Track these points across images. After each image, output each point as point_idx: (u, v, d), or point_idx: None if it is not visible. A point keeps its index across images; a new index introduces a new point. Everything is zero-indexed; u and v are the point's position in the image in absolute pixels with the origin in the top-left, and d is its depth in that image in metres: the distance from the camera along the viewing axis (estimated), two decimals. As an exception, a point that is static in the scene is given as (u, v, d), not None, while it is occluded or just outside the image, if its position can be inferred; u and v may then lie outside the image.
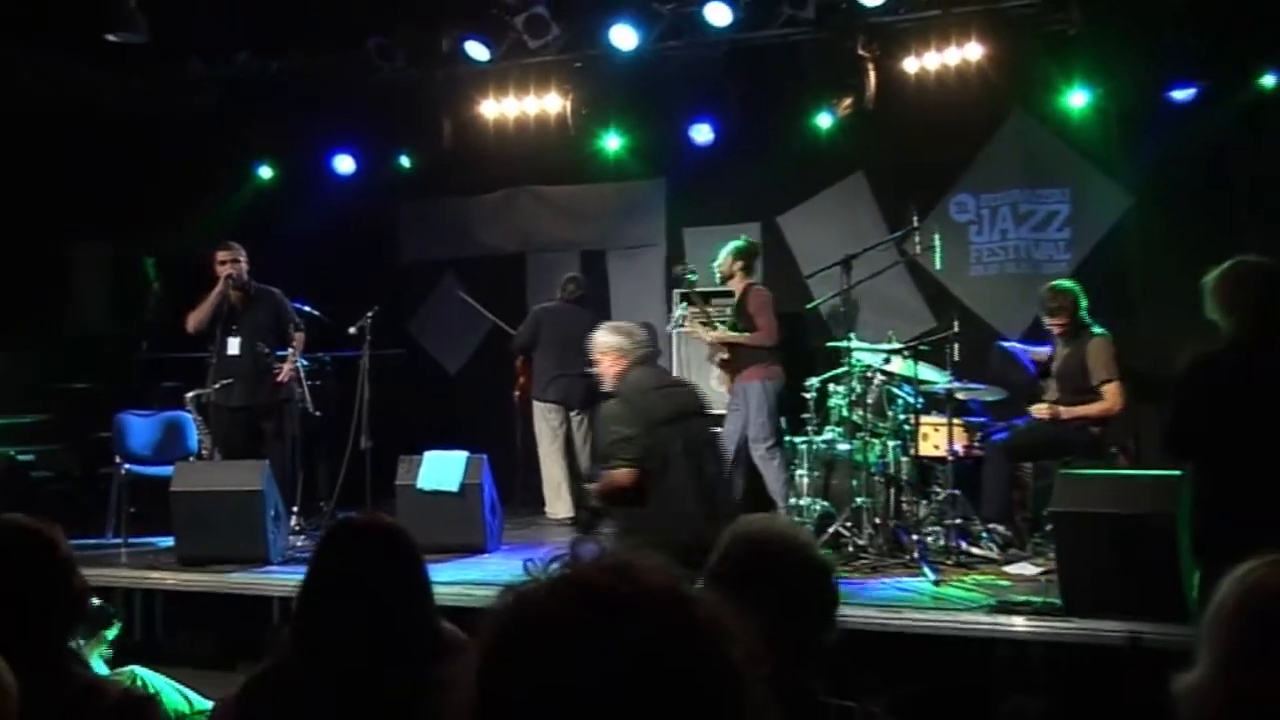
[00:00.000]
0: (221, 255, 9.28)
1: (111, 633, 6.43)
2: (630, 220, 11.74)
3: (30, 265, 11.33)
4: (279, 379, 9.31)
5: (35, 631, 2.91)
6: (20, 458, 10.06)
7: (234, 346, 9.27)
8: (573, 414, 10.46)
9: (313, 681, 2.95)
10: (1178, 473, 5.83)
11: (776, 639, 1.34)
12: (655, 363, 7.38)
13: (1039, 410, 8.03)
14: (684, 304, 9.78)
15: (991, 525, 8.14)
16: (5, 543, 3.01)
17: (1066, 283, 8.27)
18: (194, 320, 9.34)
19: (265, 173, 12.14)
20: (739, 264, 9.21)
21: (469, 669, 1.27)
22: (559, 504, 10.36)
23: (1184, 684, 2.28)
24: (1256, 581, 2.24)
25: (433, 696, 1.30)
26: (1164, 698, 2.32)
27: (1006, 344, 8.84)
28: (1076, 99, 9.58)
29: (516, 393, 10.72)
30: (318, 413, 9.50)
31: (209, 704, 6.53)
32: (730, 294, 9.40)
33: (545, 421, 10.40)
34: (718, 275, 9.40)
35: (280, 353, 9.38)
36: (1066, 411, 7.93)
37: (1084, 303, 8.05)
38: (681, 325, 9.70)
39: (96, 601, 5.73)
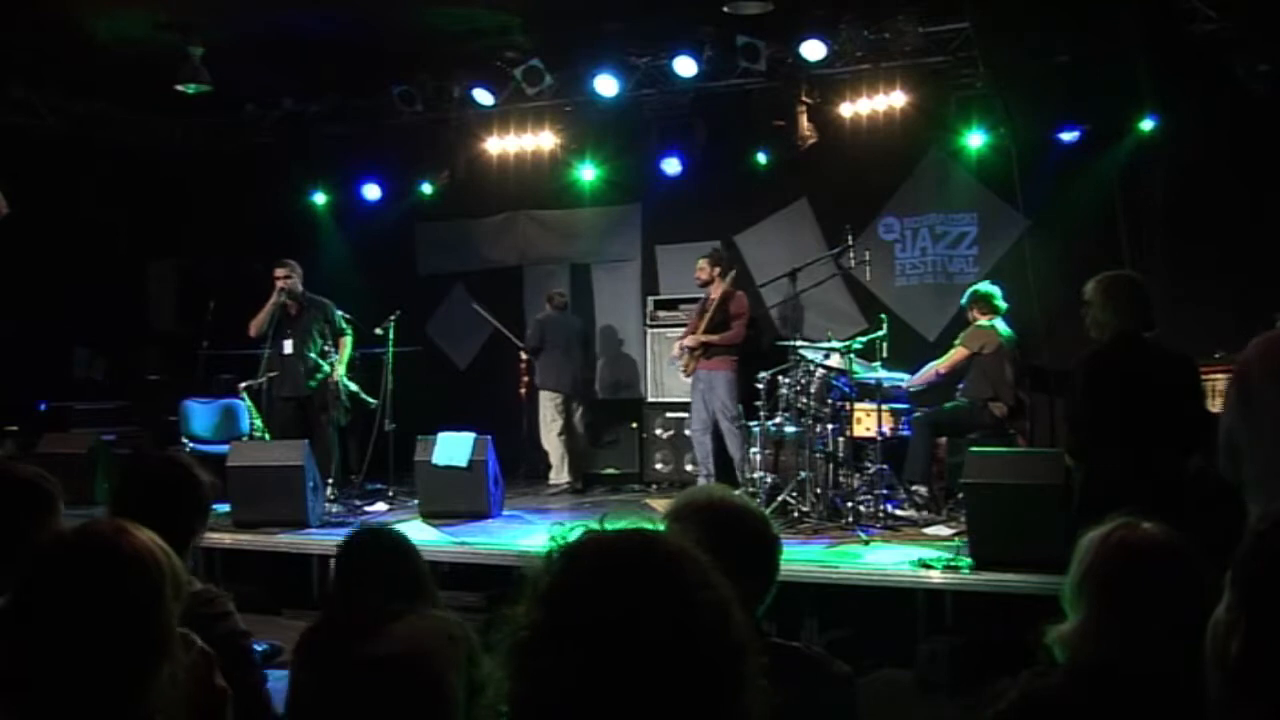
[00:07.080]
0: (279, 271, 9.22)
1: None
2: (611, 239, 11.66)
3: (115, 277, 11.35)
4: (332, 377, 9.26)
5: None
6: (104, 437, 10.00)
7: (288, 347, 9.22)
8: (573, 402, 10.52)
9: None
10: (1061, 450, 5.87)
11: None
12: None
13: None
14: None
15: (914, 486, 8.19)
16: (156, 475, 3.31)
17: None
18: (255, 326, 9.25)
19: (319, 199, 11.94)
20: (716, 270, 9.37)
21: (535, 598, 1.28)
22: (561, 474, 10.45)
23: (1059, 632, 2.25)
24: (1119, 541, 2.24)
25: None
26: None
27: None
28: (981, 139, 9.56)
29: (522, 389, 10.75)
30: (373, 401, 9.43)
31: (262, 645, 6.53)
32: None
33: (549, 406, 10.45)
34: (696, 280, 9.49)
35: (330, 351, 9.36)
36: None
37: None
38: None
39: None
